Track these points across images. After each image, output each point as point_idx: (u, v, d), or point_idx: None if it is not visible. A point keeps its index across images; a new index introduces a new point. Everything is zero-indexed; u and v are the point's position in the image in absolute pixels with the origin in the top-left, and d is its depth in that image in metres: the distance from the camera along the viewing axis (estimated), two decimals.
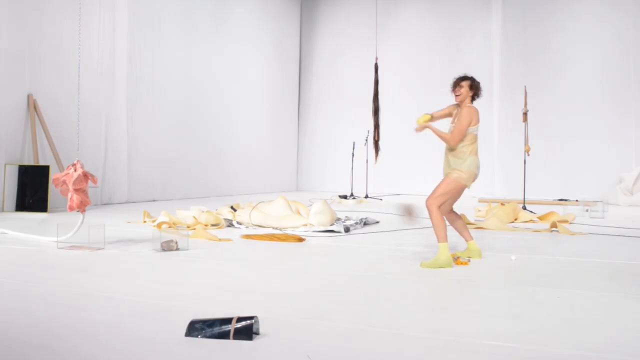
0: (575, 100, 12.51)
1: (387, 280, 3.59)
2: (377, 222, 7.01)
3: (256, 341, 2.27)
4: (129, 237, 5.33)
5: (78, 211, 4.85)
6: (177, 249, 4.59)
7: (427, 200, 4.12)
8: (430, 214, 4.09)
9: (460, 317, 2.70)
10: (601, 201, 10.04)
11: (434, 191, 4.13)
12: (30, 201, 7.79)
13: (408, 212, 4.92)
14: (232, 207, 6.96)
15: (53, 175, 5.06)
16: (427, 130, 4.30)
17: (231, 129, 12.83)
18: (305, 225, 6.01)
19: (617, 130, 12.11)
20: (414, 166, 13.57)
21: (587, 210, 8.02)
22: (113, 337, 2.36)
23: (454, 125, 4.20)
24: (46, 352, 2.17)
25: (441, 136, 4.19)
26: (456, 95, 4.21)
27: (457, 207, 4.42)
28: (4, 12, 7.78)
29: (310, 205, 7.18)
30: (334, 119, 15.20)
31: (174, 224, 5.98)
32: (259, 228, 6.16)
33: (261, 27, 13.97)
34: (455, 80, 4.25)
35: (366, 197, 11.83)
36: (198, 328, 2.32)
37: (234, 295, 3.11)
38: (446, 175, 4.17)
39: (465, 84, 4.18)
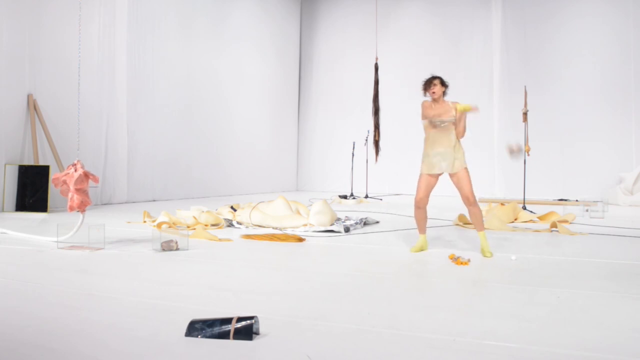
0: (576, 100, 12.52)
1: (387, 280, 3.59)
2: (377, 222, 7.01)
3: (256, 341, 2.27)
4: (129, 237, 5.33)
5: (78, 211, 4.85)
6: (177, 249, 4.59)
7: (470, 197, 4.53)
8: (475, 206, 4.56)
9: (460, 317, 2.70)
10: (601, 201, 10.05)
11: (468, 187, 4.53)
12: (30, 201, 7.79)
13: (513, 150, 5.34)
14: (232, 207, 6.97)
15: (53, 175, 5.06)
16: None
17: (231, 129, 12.83)
18: (305, 225, 6.01)
19: (617, 130, 12.11)
20: (414, 166, 13.53)
21: (587, 210, 8.02)
22: (113, 337, 2.36)
23: (448, 118, 4.57)
24: (46, 352, 2.16)
25: (463, 130, 4.57)
26: (433, 93, 4.58)
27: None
28: (4, 12, 7.78)
29: (310, 205, 7.18)
30: (334, 119, 15.21)
31: (174, 224, 5.98)
32: (259, 228, 6.16)
33: (261, 27, 13.98)
34: (426, 80, 4.64)
35: (366, 197, 11.83)
36: (198, 328, 2.32)
37: (234, 295, 3.11)
38: (457, 170, 4.54)
39: (437, 81, 4.59)
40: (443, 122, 4.52)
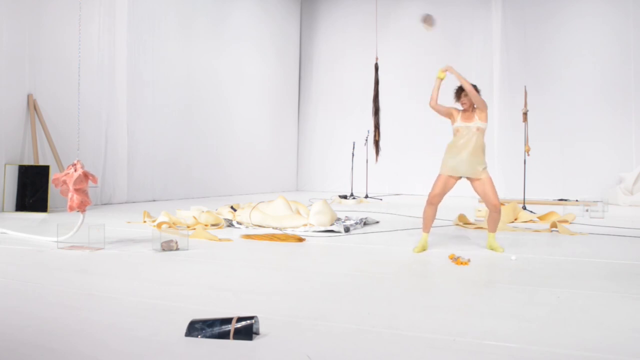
0: (576, 100, 12.52)
1: (387, 280, 3.59)
2: (377, 222, 7.01)
3: (256, 341, 2.27)
4: (129, 237, 5.33)
5: (78, 211, 4.85)
6: (177, 249, 4.59)
7: (497, 204, 4.64)
8: (499, 212, 4.68)
9: (460, 317, 2.70)
10: (601, 201, 10.05)
11: (493, 194, 4.62)
12: (30, 201, 7.79)
13: (427, 20, 5.65)
14: (232, 207, 6.96)
15: (53, 175, 5.06)
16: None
17: (231, 129, 12.84)
18: (305, 225, 6.01)
19: (617, 130, 12.12)
20: (414, 166, 13.58)
21: (587, 210, 8.02)
22: (113, 337, 2.36)
23: (473, 124, 4.63)
24: (46, 352, 2.16)
25: (464, 81, 4.60)
26: (463, 103, 4.65)
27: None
28: (4, 12, 7.78)
29: (310, 205, 7.18)
30: (334, 119, 15.22)
31: (174, 224, 5.98)
32: (259, 228, 6.16)
33: (261, 27, 13.98)
34: (458, 88, 4.68)
35: (366, 197, 11.83)
36: (198, 328, 2.32)
37: (234, 295, 3.11)
38: (480, 177, 4.63)
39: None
40: (469, 129, 4.59)
